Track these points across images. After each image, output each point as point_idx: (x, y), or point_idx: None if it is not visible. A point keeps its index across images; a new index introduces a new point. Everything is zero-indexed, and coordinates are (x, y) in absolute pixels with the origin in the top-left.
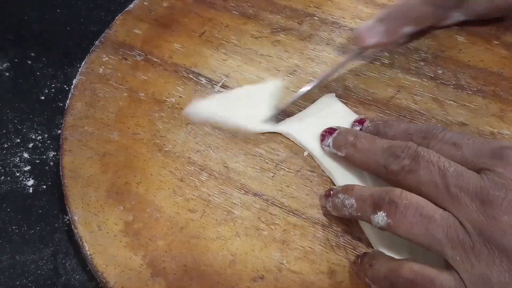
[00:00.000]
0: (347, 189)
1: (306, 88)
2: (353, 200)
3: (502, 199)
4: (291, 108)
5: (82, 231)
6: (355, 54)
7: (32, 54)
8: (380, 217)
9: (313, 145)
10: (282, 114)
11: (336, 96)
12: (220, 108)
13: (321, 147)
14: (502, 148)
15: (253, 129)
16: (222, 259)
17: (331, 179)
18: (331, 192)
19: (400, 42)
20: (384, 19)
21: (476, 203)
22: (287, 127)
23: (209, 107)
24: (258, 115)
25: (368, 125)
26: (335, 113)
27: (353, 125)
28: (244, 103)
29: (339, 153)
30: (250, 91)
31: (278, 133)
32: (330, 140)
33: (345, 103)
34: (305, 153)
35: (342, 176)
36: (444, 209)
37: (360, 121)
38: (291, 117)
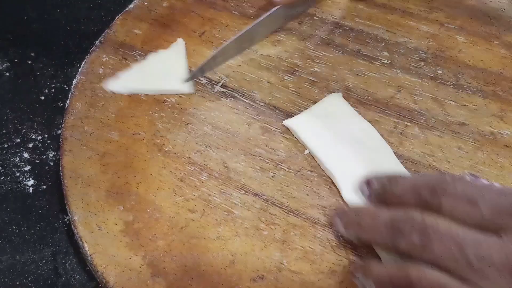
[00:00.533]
0: (365, 268)
1: (222, 46)
2: (371, 283)
3: None
4: (297, 107)
5: (82, 231)
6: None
7: (32, 54)
8: None
9: (314, 143)
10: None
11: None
12: (139, 77)
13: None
14: None
15: (177, 91)
16: (222, 259)
17: (331, 179)
18: (352, 268)
19: None
20: None
21: (505, 275)
22: (290, 123)
23: (129, 78)
24: (176, 77)
25: (375, 185)
26: (340, 114)
27: (361, 186)
28: (160, 68)
29: (350, 236)
30: (163, 56)
31: (278, 132)
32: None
33: None
34: (306, 152)
35: (343, 176)
36: (470, 282)
37: (368, 182)
38: (297, 115)
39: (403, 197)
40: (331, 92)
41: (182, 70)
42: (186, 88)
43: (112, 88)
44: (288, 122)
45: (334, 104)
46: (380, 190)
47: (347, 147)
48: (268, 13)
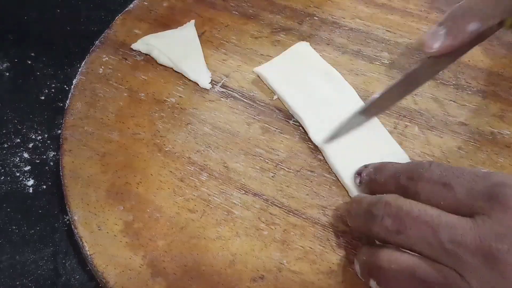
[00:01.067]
0: (358, 251)
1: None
2: (357, 266)
3: (506, 253)
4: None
5: (82, 231)
6: (425, 67)
7: (32, 54)
8: (374, 285)
9: (282, 88)
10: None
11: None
12: (164, 42)
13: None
14: (496, 186)
15: (195, 80)
16: (222, 259)
17: (330, 180)
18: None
19: (468, 44)
20: (446, 20)
21: (478, 259)
22: (260, 69)
23: (154, 39)
24: (196, 64)
25: (364, 174)
26: (307, 61)
27: (354, 177)
28: (179, 45)
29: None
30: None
31: (278, 132)
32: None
33: None
34: (275, 97)
35: (310, 118)
36: (444, 265)
37: (359, 172)
38: (266, 63)
39: (385, 185)
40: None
41: (199, 56)
42: (205, 82)
43: (134, 45)
44: (258, 69)
45: (302, 52)
46: (368, 179)
47: (314, 91)
48: (421, 68)
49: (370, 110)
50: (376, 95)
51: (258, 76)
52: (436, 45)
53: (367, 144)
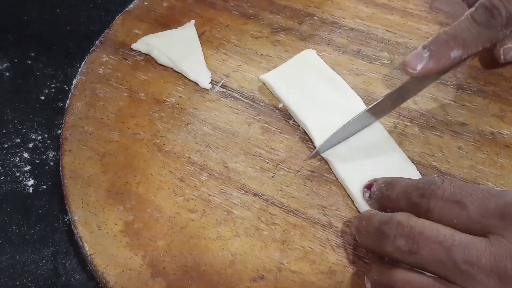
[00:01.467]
0: (370, 269)
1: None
2: (369, 285)
3: None
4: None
5: (82, 231)
6: (407, 85)
7: (32, 54)
8: None
9: (288, 97)
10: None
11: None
12: (164, 42)
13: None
14: (509, 205)
15: (195, 80)
16: (222, 259)
17: (330, 180)
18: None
19: (449, 69)
20: (432, 44)
21: (494, 279)
22: (266, 77)
23: (153, 39)
24: (196, 64)
25: (374, 189)
26: (313, 68)
27: (363, 191)
28: (179, 45)
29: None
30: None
31: (278, 132)
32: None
33: None
34: (280, 105)
35: (315, 127)
36: (459, 286)
37: (368, 186)
38: (273, 70)
39: (397, 201)
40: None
41: (199, 56)
42: (205, 82)
43: (134, 45)
44: (264, 76)
45: (308, 60)
46: (379, 194)
47: (319, 100)
48: (402, 86)
49: (360, 119)
50: (365, 108)
51: (263, 83)
52: (418, 67)
53: (375, 157)
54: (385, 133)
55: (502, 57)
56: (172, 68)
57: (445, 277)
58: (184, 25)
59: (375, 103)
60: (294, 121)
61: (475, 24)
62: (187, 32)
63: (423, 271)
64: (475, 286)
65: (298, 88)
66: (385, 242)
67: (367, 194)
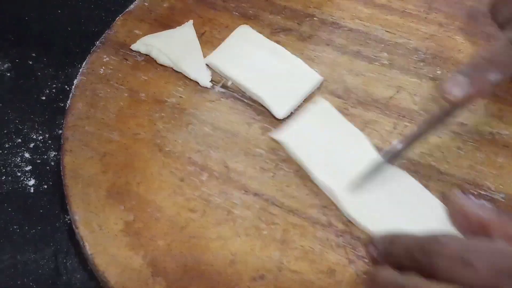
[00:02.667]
0: None
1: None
2: None
3: None
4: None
5: (83, 230)
6: (444, 114)
7: (33, 55)
8: None
9: (235, 73)
10: None
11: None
12: (163, 41)
13: None
14: None
15: (194, 78)
16: (222, 259)
17: None
18: None
19: (489, 92)
20: (469, 69)
21: None
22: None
23: (153, 39)
24: (195, 62)
25: (378, 247)
26: (253, 43)
27: (368, 245)
28: (178, 44)
29: None
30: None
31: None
32: None
33: (345, 103)
34: (229, 83)
35: (274, 100)
36: None
37: (372, 243)
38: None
39: (400, 259)
40: (332, 92)
41: (199, 55)
42: (204, 80)
43: (133, 46)
44: (208, 59)
45: (245, 35)
46: (382, 251)
47: (264, 69)
48: (440, 116)
49: (391, 158)
50: (397, 144)
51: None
52: (459, 94)
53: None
54: (360, 135)
55: None
56: (172, 68)
57: None
58: (182, 24)
59: (409, 136)
60: (246, 97)
61: None
62: (186, 32)
63: None
64: None
65: (242, 63)
66: None
67: (372, 249)
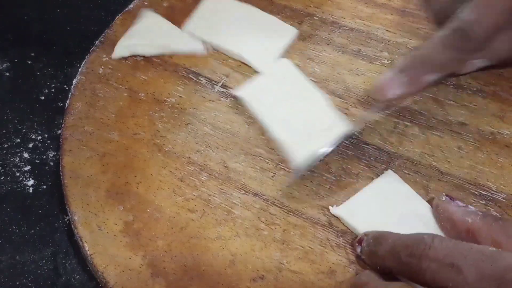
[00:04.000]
0: None
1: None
2: None
3: None
4: None
5: (82, 231)
6: (377, 108)
7: (32, 54)
8: None
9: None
10: None
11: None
12: (142, 36)
13: None
14: (508, 271)
15: (189, 50)
16: (222, 259)
17: (330, 185)
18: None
19: (423, 90)
20: (405, 69)
21: None
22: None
23: (131, 39)
24: (181, 36)
25: (364, 244)
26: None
27: (355, 246)
28: (159, 28)
29: None
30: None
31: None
32: None
33: (345, 103)
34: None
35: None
36: None
37: (359, 241)
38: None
39: (386, 259)
40: (332, 92)
41: (175, 29)
42: (198, 47)
43: (115, 54)
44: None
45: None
46: (367, 250)
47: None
48: (373, 110)
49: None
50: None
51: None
52: (395, 93)
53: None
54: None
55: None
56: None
57: None
58: (143, 15)
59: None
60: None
61: (448, 48)
62: (149, 16)
63: None
64: None
65: (220, 27)
66: None
67: (359, 249)
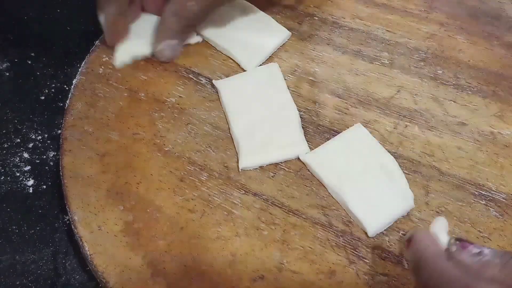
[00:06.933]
0: None
1: None
2: None
3: None
4: (297, 108)
5: (82, 231)
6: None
7: (32, 54)
8: None
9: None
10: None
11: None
12: (139, 40)
13: None
14: None
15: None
16: (222, 259)
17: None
18: None
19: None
20: (161, 39)
21: None
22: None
23: (129, 44)
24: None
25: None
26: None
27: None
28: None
29: None
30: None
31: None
32: None
33: (346, 103)
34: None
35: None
36: None
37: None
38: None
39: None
40: (332, 92)
41: None
42: (194, 38)
43: (116, 62)
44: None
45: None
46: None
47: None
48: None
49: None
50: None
51: None
52: (170, 56)
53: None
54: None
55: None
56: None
57: None
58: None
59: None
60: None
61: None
62: (143, 17)
63: None
64: None
65: (213, 21)
66: None
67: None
